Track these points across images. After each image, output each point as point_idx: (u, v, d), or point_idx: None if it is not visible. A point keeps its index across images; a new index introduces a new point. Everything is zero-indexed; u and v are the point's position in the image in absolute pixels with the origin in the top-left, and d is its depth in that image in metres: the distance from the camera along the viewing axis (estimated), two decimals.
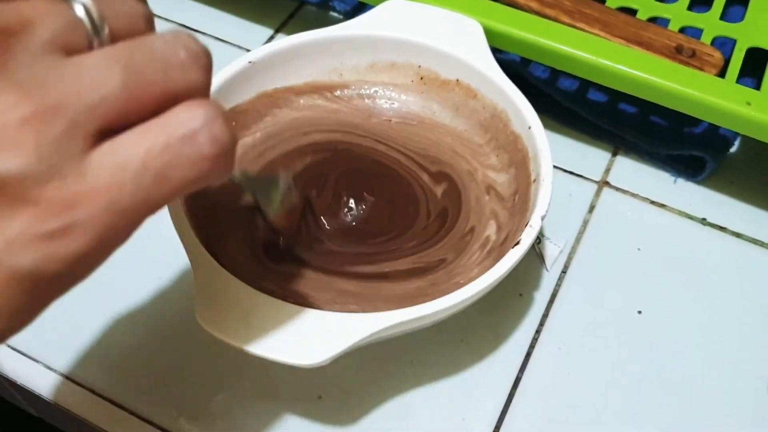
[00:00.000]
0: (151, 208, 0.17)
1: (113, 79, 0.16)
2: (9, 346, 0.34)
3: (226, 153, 0.18)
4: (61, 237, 0.16)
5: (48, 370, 0.33)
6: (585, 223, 0.38)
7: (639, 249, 0.37)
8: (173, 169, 0.17)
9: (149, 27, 0.19)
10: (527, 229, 0.29)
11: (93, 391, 0.32)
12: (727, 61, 0.38)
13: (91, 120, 0.16)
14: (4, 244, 0.16)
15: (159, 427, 0.31)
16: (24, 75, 0.16)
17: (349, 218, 0.33)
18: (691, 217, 0.38)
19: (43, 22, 0.17)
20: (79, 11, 0.17)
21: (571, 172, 0.40)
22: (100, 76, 0.16)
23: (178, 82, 0.17)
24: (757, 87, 0.37)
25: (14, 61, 0.16)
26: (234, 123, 0.35)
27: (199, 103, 0.17)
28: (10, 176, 0.15)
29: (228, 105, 0.34)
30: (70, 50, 0.17)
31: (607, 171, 0.40)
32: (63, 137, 0.16)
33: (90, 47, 0.17)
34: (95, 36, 0.17)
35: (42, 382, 0.33)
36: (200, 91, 0.18)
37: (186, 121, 0.17)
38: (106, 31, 0.17)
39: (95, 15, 0.17)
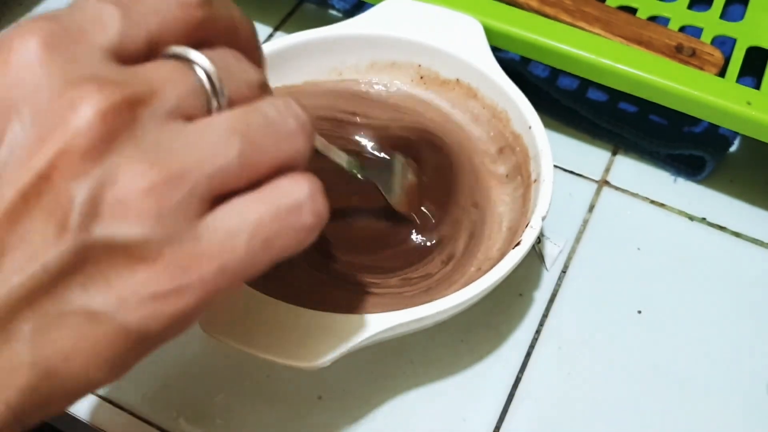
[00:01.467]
0: (253, 273, 0.18)
1: (232, 149, 0.17)
2: None
3: (322, 225, 0.19)
4: (172, 297, 0.17)
5: None
6: (585, 222, 0.38)
7: (639, 248, 0.37)
8: (279, 238, 0.18)
9: (265, 93, 0.20)
10: (528, 229, 0.29)
11: (93, 393, 0.32)
12: (727, 61, 0.38)
13: (209, 187, 0.17)
14: (118, 301, 0.17)
15: (158, 428, 0.31)
16: (150, 143, 0.17)
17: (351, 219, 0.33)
18: (691, 217, 0.38)
19: (169, 88, 0.17)
20: (202, 75, 0.18)
21: (570, 172, 0.40)
22: (220, 145, 0.17)
23: (288, 151, 0.18)
24: (757, 86, 0.37)
25: (142, 130, 0.17)
26: None
27: (305, 176, 0.19)
28: (132, 241, 0.16)
29: None
30: (192, 116, 0.18)
31: (607, 170, 0.40)
32: (183, 204, 0.17)
33: (209, 112, 0.18)
34: (215, 100, 0.18)
35: None
36: (304, 159, 0.19)
37: (294, 192, 0.18)
38: (226, 96, 0.18)
39: (216, 80, 0.18)
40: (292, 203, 0.18)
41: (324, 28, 0.36)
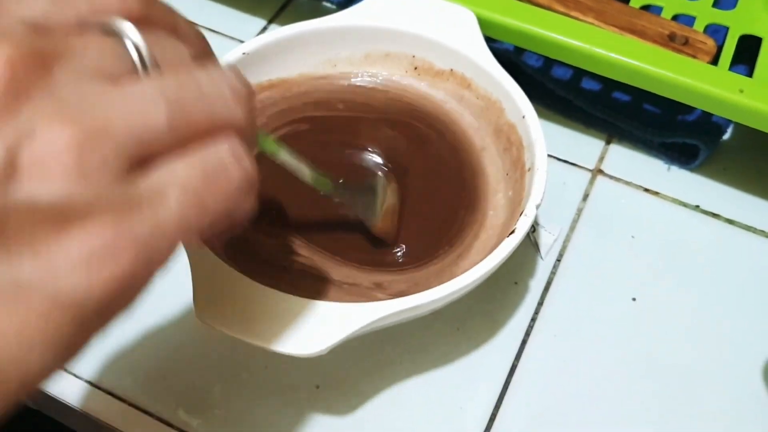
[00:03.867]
0: (188, 232, 0.18)
1: (160, 111, 0.17)
2: None
3: (252, 184, 0.19)
4: (107, 260, 0.16)
5: None
6: (579, 211, 0.38)
7: (633, 236, 0.37)
8: (210, 196, 0.18)
9: (199, 66, 0.19)
10: (522, 218, 0.29)
11: (91, 383, 0.33)
12: (719, 49, 0.38)
13: (136, 147, 0.17)
14: (48, 269, 0.15)
15: (158, 418, 0.32)
16: (71, 100, 0.16)
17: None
18: (684, 205, 0.38)
19: (91, 49, 0.17)
20: (129, 44, 0.18)
21: (565, 161, 0.40)
22: (147, 107, 0.17)
23: (220, 118, 0.18)
24: (750, 74, 0.37)
25: (61, 86, 0.16)
26: None
27: (230, 138, 0.18)
28: (55, 201, 0.15)
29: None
30: (118, 80, 0.17)
31: (601, 159, 0.40)
32: (108, 161, 0.16)
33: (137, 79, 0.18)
34: (143, 71, 0.18)
35: None
36: (239, 127, 0.19)
37: (219, 152, 0.18)
38: (155, 67, 0.18)
39: (144, 50, 0.18)
40: (218, 162, 0.18)
41: (318, 19, 0.36)
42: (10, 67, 0.16)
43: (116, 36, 0.18)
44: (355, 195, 0.31)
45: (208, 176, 0.18)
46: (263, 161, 0.34)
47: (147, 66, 0.18)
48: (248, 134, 0.19)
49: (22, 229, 0.15)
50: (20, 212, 0.15)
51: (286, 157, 0.25)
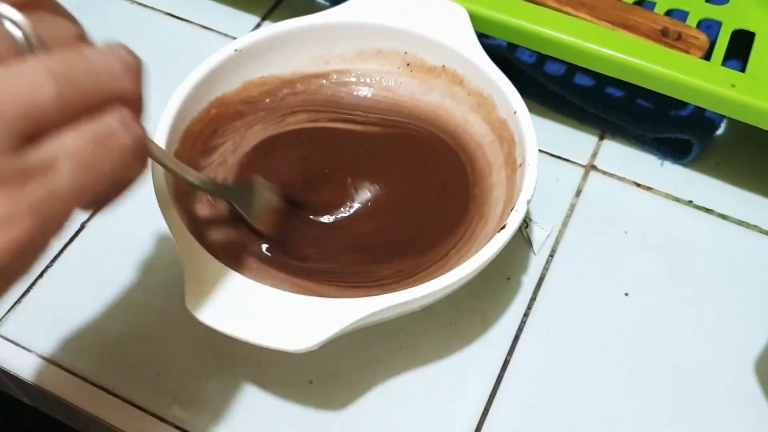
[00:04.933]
0: (81, 196, 0.19)
1: (48, 86, 0.18)
2: (1, 335, 0.34)
3: (142, 147, 0.20)
4: (4, 226, 0.17)
5: (40, 359, 0.33)
6: (572, 207, 0.38)
7: (626, 232, 0.37)
8: (101, 160, 0.19)
9: (83, 43, 0.20)
10: (513, 213, 0.29)
11: (86, 379, 0.33)
12: (712, 44, 0.38)
13: (25, 122, 0.17)
14: None
15: (152, 414, 0.32)
16: None
17: (345, 207, 0.33)
18: (677, 200, 0.38)
19: None
20: (9, 24, 0.18)
21: (557, 157, 0.40)
22: (35, 84, 0.18)
23: (109, 90, 0.19)
24: (743, 69, 0.37)
25: None
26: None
27: (119, 108, 0.20)
28: None
29: (214, 94, 0.34)
30: (3, 61, 0.18)
31: (594, 155, 0.40)
32: None
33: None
34: (29, 51, 0.18)
35: (35, 371, 0.33)
36: (131, 97, 0.20)
37: (108, 121, 0.19)
38: (43, 46, 0.19)
39: (27, 29, 0.18)
40: (108, 129, 0.19)
41: (310, 16, 0.36)
42: None
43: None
44: (236, 195, 0.32)
45: (98, 143, 0.19)
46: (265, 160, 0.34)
47: (33, 45, 0.18)
48: (138, 104, 0.21)
49: None
50: None
51: (170, 163, 0.27)
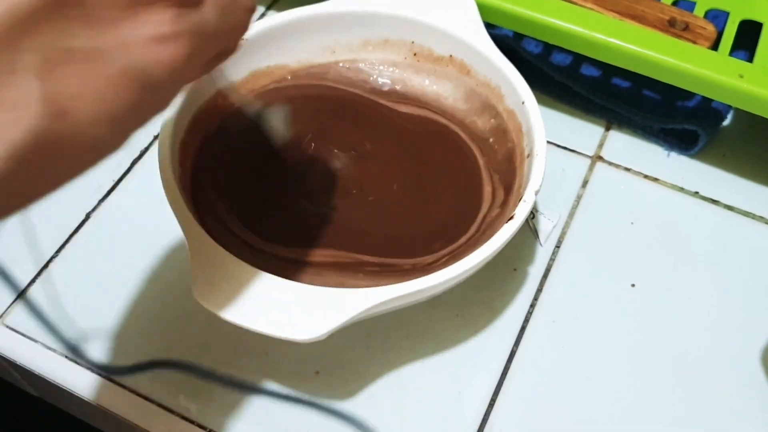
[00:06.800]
0: (216, 40, 0.21)
1: None
2: (7, 326, 0.34)
3: (251, 15, 0.23)
4: (171, 42, 0.18)
5: (47, 350, 0.33)
6: (578, 197, 0.38)
7: (632, 223, 0.37)
8: (232, 13, 0.21)
9: None
10: (521, 203, 0.29)
11: (92, 370, 0.33)
12: (720, 34, 0.38)
13: None
14: (124, 41, 0.18)
15: (159, 405, 0.32)
16: None
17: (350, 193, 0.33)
18: (683, 191, 0.38)
19: None
20: None
21: (564, 147, 0.40)
22: None
23: None
24: (750, 60, 0.37)
25: None
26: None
27: None
28: None
29: (220, 83, 0.34)
30: None
31: (601, 146, 0.40)
32: None
33: None
34: None
35: (41, 361, 0.33)
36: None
37: None
38: None
39: None
40: None
41: (316, 5, 0.36)
42: None
43: None
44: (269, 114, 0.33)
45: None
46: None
47: None
48: None
49: (101, 5, 0.17)
50: None
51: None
